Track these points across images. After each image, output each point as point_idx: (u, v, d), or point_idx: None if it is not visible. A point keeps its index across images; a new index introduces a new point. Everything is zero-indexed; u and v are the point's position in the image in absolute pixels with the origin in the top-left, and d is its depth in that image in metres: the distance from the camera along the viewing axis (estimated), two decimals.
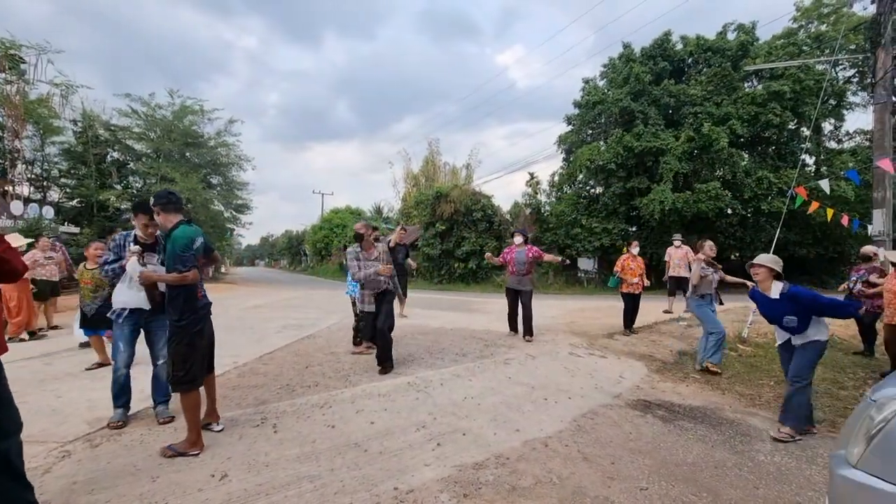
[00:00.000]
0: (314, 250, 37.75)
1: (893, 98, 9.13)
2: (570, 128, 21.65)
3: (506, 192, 78.39)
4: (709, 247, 5.42)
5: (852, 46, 15.18)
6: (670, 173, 16.36)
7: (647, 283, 7.23)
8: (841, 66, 17.50)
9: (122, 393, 3.44)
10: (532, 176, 23.05)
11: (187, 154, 22.29)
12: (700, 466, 3.18)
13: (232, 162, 25.15)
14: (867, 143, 17.41)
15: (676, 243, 9.26)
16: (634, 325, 7.36)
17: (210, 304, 3.25)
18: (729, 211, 16.69)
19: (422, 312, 10.20)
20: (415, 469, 2.96)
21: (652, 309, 10.14)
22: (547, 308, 10.52)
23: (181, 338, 3.00)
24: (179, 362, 3.00)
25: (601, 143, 19.56)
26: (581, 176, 20.24)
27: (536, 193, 22.86)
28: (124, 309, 3.41)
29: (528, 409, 4.01)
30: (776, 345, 3.92)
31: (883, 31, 8.65)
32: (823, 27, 17.85)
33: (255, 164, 26.36)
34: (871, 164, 8.67)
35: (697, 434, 3.64)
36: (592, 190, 21.04)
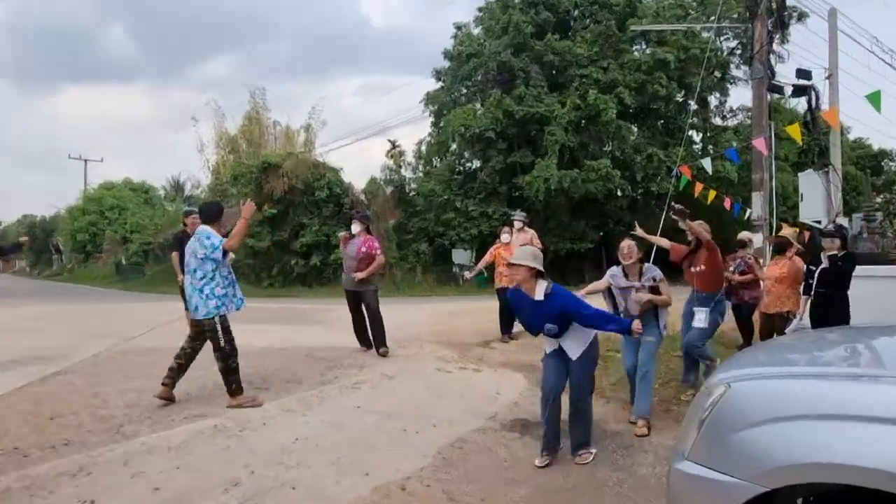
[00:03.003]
0: (73, 244, 33.05)
1: (770, 73, 11.38)
2: (439, 84, 22.44)
3: (360, 165, 78.34)
4: (627, 247, 4.61)
5: (735, 15, 18.44)
6: (556, 146, 18.05)
7: None
8: (725, 36, 21.14)
9: None
10: (394, 144, 23.40)
11: None
12: (581, 489, 3.57)
13: None
14: (749, 121, 21.43)
15: (517, 223, 8.33)
16: (514, 330, 7.88)
17: None
18: (619, 193, 19.04)
19: (242, 328, 9.44)
20: None
21: None
22: (412, 313, 10.73)
23: None
24: None
25: (477, 105, 20.67)
26: (454, 146, 21.17)
27: (400, 167, 23.25)
28: None
29: (383, 445, 4.04)
30: (544, 354, 4.08)
31: (759, 0, 10.66)
32: None
33: None
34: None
35: None
36: (468, 164, 22.17)
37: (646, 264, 4.72)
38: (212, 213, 4.89)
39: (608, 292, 4.80)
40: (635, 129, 20.72)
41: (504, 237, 8.00)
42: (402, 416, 4.62)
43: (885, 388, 1.84)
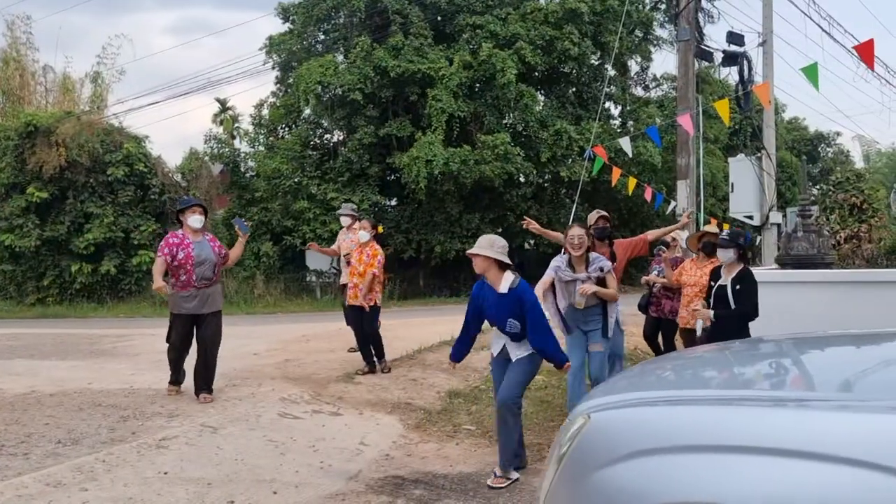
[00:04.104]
0: None
1: (698, 36, 12.40)
2: (287, 27, 21.97)
3: (175, 133, 74.39)
4: (577, 237, 5.24)
5: None
6: (442, 116, 18.38)
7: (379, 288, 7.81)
8: None
9: None
10: (224, 106, 22.64)
11: None
12: None
13: None
14: (674, 93, 23.21)
15: (345, 220, 8.86)
16: (385, 356, 7.95)
17: None
18: (521, 178, 19.80)
19: None
20: None
21: (420, 327, 11.12)
22: (248, 339, 10.45)
23: None
24: None
25: (339, 57, 20.51)
26: (308, 111, 20.84)
27: (233, 137, 22.47)
28: None
29: None
30: (491, 358, 5.02)
31: None
32: None
33: None
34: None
35: None
36: (327, 136, 21.91)
37: (592, 254, 5.35)
38: None
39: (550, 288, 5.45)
40: (541, 98, 21.66)
41: (361, 235, 7.70)
42: (230, 483, 4.47)
43: (754, 412, 1.97)
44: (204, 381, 6.53)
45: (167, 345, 6.66)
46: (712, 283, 5.60)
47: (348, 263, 8.23)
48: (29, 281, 19.21)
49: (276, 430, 5.62)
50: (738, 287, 5.33)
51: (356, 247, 7.86)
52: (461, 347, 5.04)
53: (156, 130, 60.52)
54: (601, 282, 5.28)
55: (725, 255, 5.47)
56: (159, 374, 7.76)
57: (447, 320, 11.90)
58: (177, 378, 6.77)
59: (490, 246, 4.58)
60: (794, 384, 2.52)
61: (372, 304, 7.57)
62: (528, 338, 4.61)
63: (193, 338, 6.54)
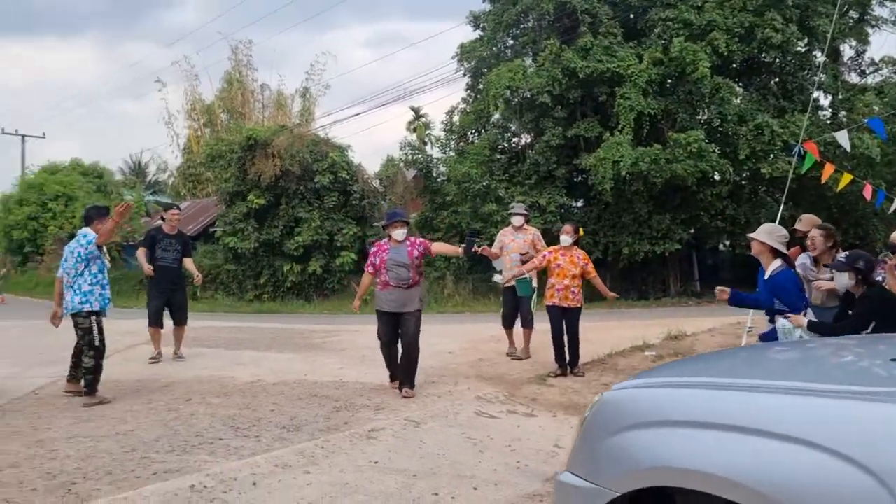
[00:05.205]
0: (9, 244, 34.08)
1: None
2: (477, 34, 22.45)
3: (372, 141, 78.84)
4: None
5: None
6: (631, 114, 17.87)
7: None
8: None
9: None
10: (417, 113, 23.58)
11: None
12: None
13: None
14: None
15: (517, 219, 9.13)
16: (580, 360, 7.97)
17: None
18: (717, 176, 18.76)
19: (221, 355, 9.92)
20: None
21: (609, 331, 10.95)
22: (441, 338, 10.81)
23: None
24: None
25: (528, 61, 20.61)
26: (497, 115, 21.15)
27: (425, 143, 23.34)
28: None
29: None
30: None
31: None
32: None
33: None
34: None
35: None
36: (515, 140, 22.11)
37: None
38: (90, 216, 7.04)
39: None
40: (739, 91, 20.38)
41: (563, 239, 7.99)
42: (433, 476, 4.65)
43: (742, 397, 2.23)
44: (406, 377, 6.94)
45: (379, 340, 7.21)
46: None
47: (524, 264, 8.56)
48: (248, 279, 21.24)
49: (474, 428, 5.77)
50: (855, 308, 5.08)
51: (556, 250, 8.03)
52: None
53: (357, 140, 64.64)
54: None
55: (840, 281, 5.26)
56: (364, 370, 8.39)
57: (636, 325, 11.59)
58: (393, 374, 7.21)
59: (769, 233, 5.23)
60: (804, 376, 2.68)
61: (579, 305, 7.93)
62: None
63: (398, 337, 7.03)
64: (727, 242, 22.11)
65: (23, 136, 41.59)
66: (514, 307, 8.99)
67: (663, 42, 18.68)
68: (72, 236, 7.98)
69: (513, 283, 8.58)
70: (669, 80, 18.92)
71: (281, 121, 25.24)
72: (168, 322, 9.40)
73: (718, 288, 5.35)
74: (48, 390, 7.39)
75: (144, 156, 46.55)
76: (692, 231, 20.22)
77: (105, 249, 6.99)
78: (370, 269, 7.12)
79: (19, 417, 6.28)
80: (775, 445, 1.92)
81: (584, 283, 8.00)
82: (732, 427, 2.05)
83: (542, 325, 8.45)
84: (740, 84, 20.70)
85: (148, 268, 8.86)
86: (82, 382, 6.78)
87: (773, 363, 3.15)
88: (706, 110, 19.31)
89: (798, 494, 1.81)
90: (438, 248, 7.31)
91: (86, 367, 6.66)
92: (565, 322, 7.84)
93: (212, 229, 23.60)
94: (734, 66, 19.97)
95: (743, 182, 20.14)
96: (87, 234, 6.79)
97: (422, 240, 7.22)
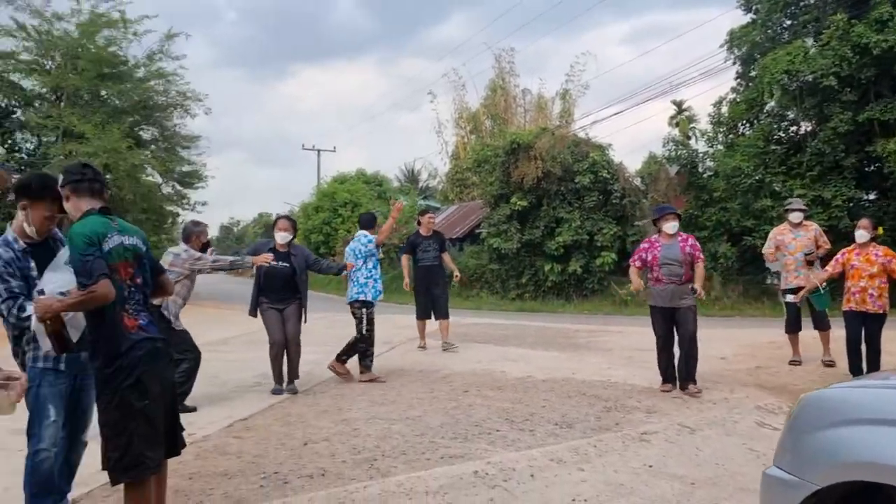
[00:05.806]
0: (307, 245, 38.96)
1: None
2: (748, 18, 21.03)
3: (631, 139, 77.19)
4: None
5: None
6: None
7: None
8: None
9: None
10: (680, 109, 22.68)
11: (103, 93, 23.75)
12: None
13: (173, 103, 26.33)
14: None
15: (796, 216, 8.55)
16: (877, 368, 7.12)
17: (153, 339, 3.42)
18: None
19: (490, 351, 10.41)
20: None
21: None
22: (711, 342, 10.30)
23: (108, 396, 3.25)
24: (112, 436, 3.26)
25: (808, 42, 18.80)
26: (772, 103, 19.59)
27: (689, 138, 22.36)
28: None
29: None
30: None
31: None
32: None
33: (208, 105, 27.48)
34: None
35: None
36: (793, 129, 20.27)
37: None
38: (366, 221, 8.35)
39: None
40: None
41: (859, 234, 7.26)
42: (714, 486, 4.49)
43: None
44: (686, 373, 6.92)
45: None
46: None
47: (810, 264, 8.18)
48: (510, 278, 21.94)
49: (755, 440, 5.46)
50: None
51: (850, 250, 7.40)
52: None
53: (617, 138, 63.97)
54: None
55: None
56: (632, 371, 8.34)
57: None
58: (665, 377, 7.17)
59: None
60: None
61: (881, 311, 7.17)
62: None
63: (674, 334, 7.05)
64: None
65: (318, 151, 47.14)
66: (799, 312, 8.34)
67: None
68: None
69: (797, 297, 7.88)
70: None
71: (542, 124, 25.71)
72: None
73: None
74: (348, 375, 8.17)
75: (417, 164, 50.27)
76: None
77: (379, 249, 8.15)
78: (637, 263, 7.26)
79: (326, 398, 7.17)
80: None
81: (890, 285, 7.14)
82: None
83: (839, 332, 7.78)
84: None
85: (407, 281, 10.38)
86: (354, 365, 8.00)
87: None
88: None
89: None
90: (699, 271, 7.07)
91: (356, 349, 7.89)
92: (864, 330, 7.10)
93: (477, 231, 24.78)
94: None
95: None
96: (367, 234, 8.04)
97: (693, 239, 7.14)
